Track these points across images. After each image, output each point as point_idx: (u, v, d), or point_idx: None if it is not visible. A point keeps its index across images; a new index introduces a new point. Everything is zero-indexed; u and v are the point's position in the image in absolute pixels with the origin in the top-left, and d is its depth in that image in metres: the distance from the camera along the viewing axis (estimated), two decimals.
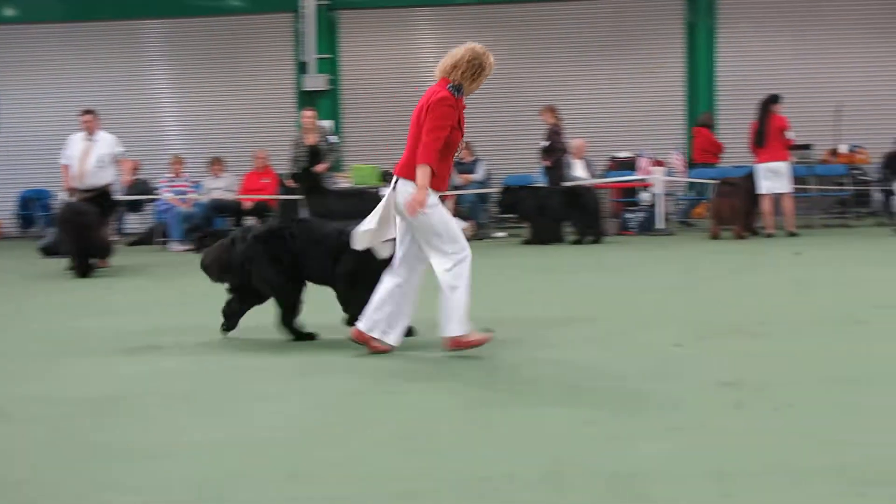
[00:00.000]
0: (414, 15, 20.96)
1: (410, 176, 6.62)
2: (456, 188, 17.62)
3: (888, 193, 16.49)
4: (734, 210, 15.32)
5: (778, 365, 6.46)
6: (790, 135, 15.27)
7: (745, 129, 16.43)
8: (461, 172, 18.12)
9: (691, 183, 18.82)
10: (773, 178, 15.02)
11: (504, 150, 20.14)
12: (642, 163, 18.09)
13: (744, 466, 4.38)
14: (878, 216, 17.81)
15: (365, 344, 6.88)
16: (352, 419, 5.37)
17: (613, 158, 19.23)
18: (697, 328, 7.72)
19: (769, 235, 15.18)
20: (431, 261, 6.71)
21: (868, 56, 20.23)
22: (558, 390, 5.86)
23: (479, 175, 18.51)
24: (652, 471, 4.31)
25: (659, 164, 17.83)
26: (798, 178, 16.32)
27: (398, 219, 6.79)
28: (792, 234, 15.10)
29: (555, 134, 16.12)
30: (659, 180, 17.04)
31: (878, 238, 14.97)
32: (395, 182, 6.72)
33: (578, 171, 17.18)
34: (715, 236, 15.38)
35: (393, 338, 6.86)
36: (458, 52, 6.74)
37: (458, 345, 6.74)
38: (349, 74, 20.87)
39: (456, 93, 6.66)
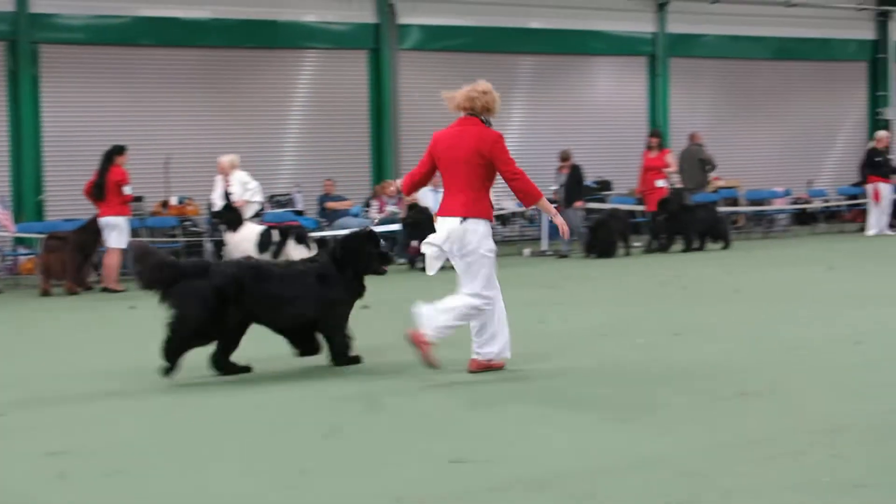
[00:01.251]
0: None
1: (479, 213, 7.20)
2: None
3: (219, 244, 16.91)
4: (64, 265, 14.77)
5: (109, 429, 6.21)
6: (127, 189, 15.00)
7: (74, 182, 15.93)
8: None
9: (19, 238, 17.85)
10: (112, 233, 14.72)
11: None
12: None
13: None
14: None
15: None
16: None
17: None
18: (28, 393, 7.20)
19: (114, 291, 14.63)
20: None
21: (191, 110, 20.73)
22: None
23: None
24: None
25: None
26: (132, 231, 16.09)
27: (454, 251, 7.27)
28: (113, 291, 14.62)
29: None
30: None
31: None
32: (464, 221, 7.18)
33: None
34: (46, 292, 14.67)
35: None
36: (480, 90, 7.23)
37: (481, 366, 7.36)
38: None
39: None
